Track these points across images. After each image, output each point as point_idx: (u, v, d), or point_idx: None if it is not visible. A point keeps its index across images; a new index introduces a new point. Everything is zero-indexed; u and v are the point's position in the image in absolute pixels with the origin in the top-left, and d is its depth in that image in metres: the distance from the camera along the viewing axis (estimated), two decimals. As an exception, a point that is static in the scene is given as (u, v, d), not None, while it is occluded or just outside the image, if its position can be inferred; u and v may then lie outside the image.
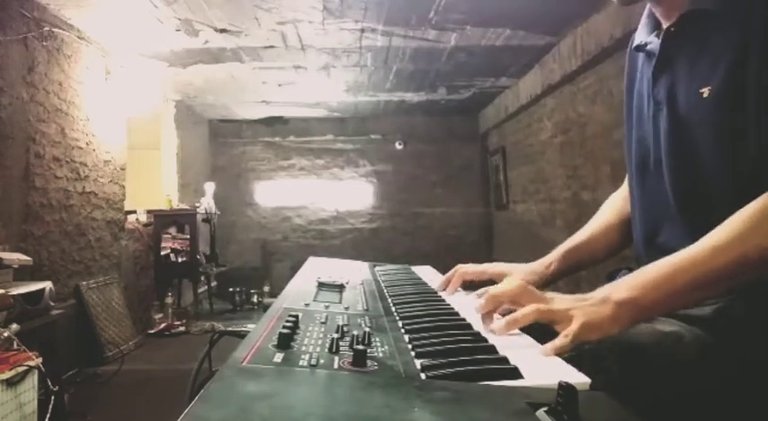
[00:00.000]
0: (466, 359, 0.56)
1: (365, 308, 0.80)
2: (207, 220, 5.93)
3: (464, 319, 0.76)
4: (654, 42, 0.84)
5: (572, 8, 3.77)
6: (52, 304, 2.74)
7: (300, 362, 0.52)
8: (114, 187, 4.48)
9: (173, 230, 5.45)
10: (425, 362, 0.55)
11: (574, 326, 0.65)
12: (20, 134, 3.22)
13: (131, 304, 4.59)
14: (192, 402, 0.40)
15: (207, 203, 5.97)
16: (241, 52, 4.54)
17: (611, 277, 0.86)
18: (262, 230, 7.55)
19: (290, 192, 7.59)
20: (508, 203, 6.65)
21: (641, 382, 0.61)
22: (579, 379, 0.52)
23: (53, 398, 2.20)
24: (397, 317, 0.76)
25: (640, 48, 0.88)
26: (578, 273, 1.07)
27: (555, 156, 5.07)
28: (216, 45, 4.33)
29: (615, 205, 1.07)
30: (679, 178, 0.78)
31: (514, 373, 0.53)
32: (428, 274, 1.24)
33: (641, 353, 0.64)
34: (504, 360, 0.57)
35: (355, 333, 0.62)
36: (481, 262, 1.07)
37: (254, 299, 6.26)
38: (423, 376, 0.52)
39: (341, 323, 0.67)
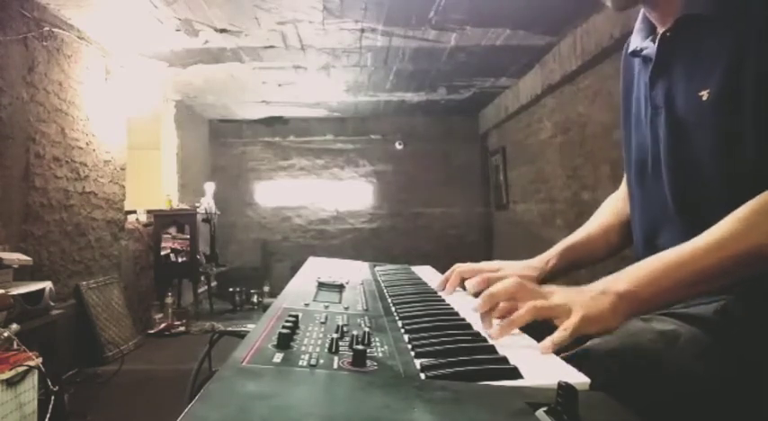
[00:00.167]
0: (465, 359, 0.56)
1: (365, 308, 0.80)
2: (207, 220, 5.93)
3: (464, 319, 0.76)
4: (650, 47, 0.84)
5: (572, 8, 3.77)
6: (52, 304, 2.74)
7: (300, 363, 0.52)
8: (114, 187, 4.48)
9: (173, 230, 5.45)
10: (425, 362, 0.55)
11: (573, 319, 0.65)
12: (20, 134, 3.22)
13: (131, 304, 4.59)
14: (192, 402, 0.40)
15: (207, 203, 5.97)
16: (241, 52, 4.54)
17: None
18: (262, 230, 7.56)
19: (290, 192, 7.59)
20: (508, 203, 6.65)
21: (641, 382, 0.61)
22: (579, 379, 0.52)
23: (53, 398, 2.20)
24: (397, 317, 0.76)
25: (636, 53, 0.89)
26: (577, 273, 1.07)
27: (555, 156, 5.07)
28: (216, 45, 4.33)
29: (613, 207, 1.07)
30: (678, 180, 0.79)
31: (514, 373, 0.53)
32: (428, 274, 1.24)
33: (640, 353, 0.64)
34: (504, 360, 0.57)
35: (355, 333, 0.62)
36: (480, 262, 1.07)
37: (254, 299, 6.26)
38: (422, 376, 0.52)
39: (341, 323, 0.67)
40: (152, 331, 4.78)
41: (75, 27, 3.84)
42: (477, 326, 0.72)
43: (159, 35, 4.07)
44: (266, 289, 6.53)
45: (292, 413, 0.40)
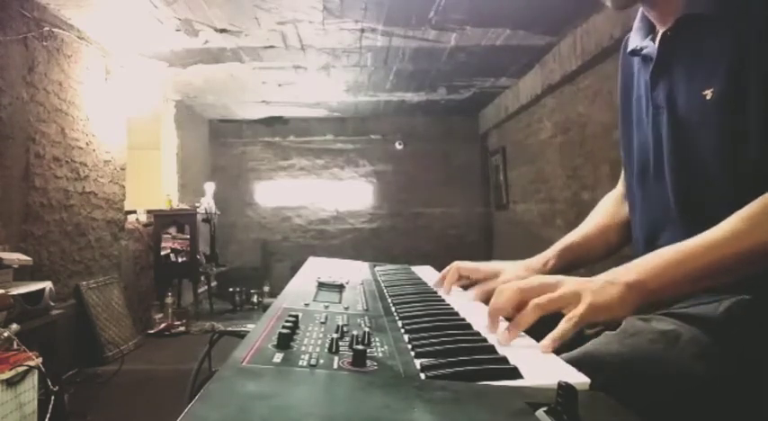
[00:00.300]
0: (465, 359, 0.56)
1: (365, 308, 0.80)
2: (207, 220, 5.93)
3: (464, 319, 0.76)
4: (650, 46, 0.84)
5: (572, 8, 3.77)
6: (52, 304, 2.74)
7: (300, 362, 0.52)
8: (114, 187, 4.48)
9: (173, 230, 5.45)
10: (425, 362, 0.55)
11: (580, 308, 0.64)
12: (20, 134, 3.22)
13: (131, 304, 4.59)
14: (192, 402, 0.40)
15: (207, 203, 5.97)
16: (241, 52, 4.54)
17: None
18: (262, 230, 7.56)
19: (290, 192, 7.59)
20: (508, 203, 6.65)
21: (641, 382, 0.61)
22: (579, 379, 0.52)
23: (53, 398, 2.20)
24: (397, 317, 0.76)
25: (635, 52, 0.88)
26: (576, 273, 1.07)
27: (555, 156, 5.07)
28: (216, 45, 4.33)
29: (608, 208, 1.07)
30: (680, 180, 0.79)
31: (514, 373, 0.53)
32: (428, 274, 1.24)
33: (640, 353, 0.64)
34: (504, 360, 0.57)
35: (355, 333, 0.62)
36: (481, 262, 1.07)
37: (254, 299, 6.26)
38: (422, 376, 0.52)
39: (341, 323, 0.67)
40: (152, 331, 4.78)
41: (75, 27, 3.84)
42: (478, 326, 0.72)
43: (159, 35, 4.07)
44: (266, 289, 6.53)
45: (292, 413, 0.40)
